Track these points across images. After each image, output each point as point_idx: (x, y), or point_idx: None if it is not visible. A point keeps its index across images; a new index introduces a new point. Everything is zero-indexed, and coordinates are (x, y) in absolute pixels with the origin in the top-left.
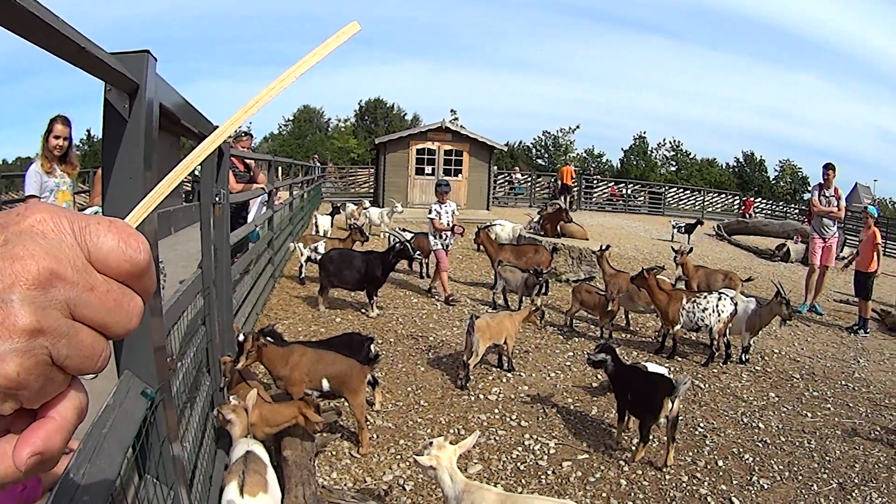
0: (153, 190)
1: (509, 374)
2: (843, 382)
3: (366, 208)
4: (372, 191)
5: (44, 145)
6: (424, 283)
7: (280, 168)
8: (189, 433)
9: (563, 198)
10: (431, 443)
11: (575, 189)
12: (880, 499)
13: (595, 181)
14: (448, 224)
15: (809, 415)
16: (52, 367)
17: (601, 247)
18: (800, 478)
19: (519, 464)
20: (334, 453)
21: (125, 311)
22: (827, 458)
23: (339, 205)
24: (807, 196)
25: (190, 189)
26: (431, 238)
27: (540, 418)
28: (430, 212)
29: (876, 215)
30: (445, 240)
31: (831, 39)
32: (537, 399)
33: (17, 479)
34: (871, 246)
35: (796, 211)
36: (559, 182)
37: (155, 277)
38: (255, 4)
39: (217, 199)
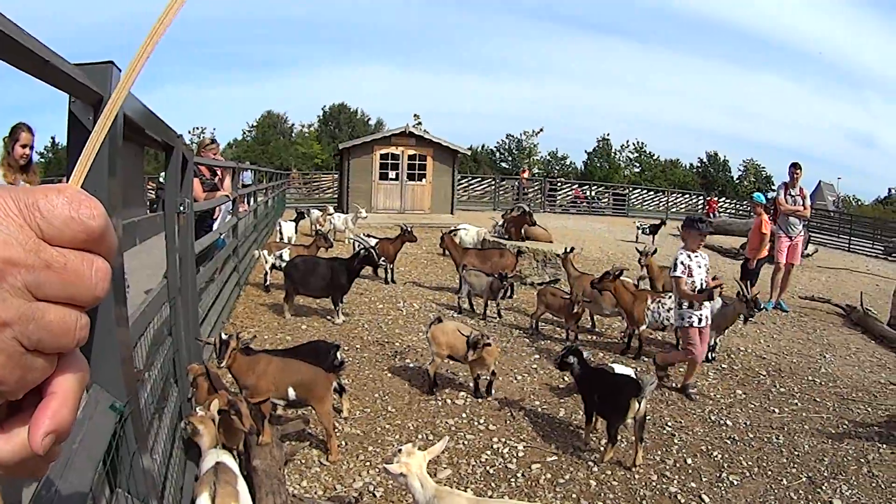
0: (86, 145)
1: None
2: (810, 378)
3: (330, 214)
4: (336, 196)
5: (7, 154)
6: (389, 289)
7: (253, 173)
8: (158, 445)
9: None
10: (400, 450)
11: (530, 191)
12: (850, 491)
13: (558, 184)
14: (702, 284)
15: (777, 411)
16: (26, 354)
17: (566, 249)
18: (769, 473)
19: (488, 467)
20: (304, 462)
21: (88, 280)
22: (796, 453)
23: (303, 211)
24: (771, 195)
25: (155, 197)
26: (674, 311)
27: (508, 421)
28: (674, 268)
29: (763, 202)
30: (700, 312)
31: (793, 40)
32: (505, 402)
33: (36, 462)
34: (758, 233)
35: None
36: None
37: (115, 235)
38: (219, 8)
39: (181, 208)
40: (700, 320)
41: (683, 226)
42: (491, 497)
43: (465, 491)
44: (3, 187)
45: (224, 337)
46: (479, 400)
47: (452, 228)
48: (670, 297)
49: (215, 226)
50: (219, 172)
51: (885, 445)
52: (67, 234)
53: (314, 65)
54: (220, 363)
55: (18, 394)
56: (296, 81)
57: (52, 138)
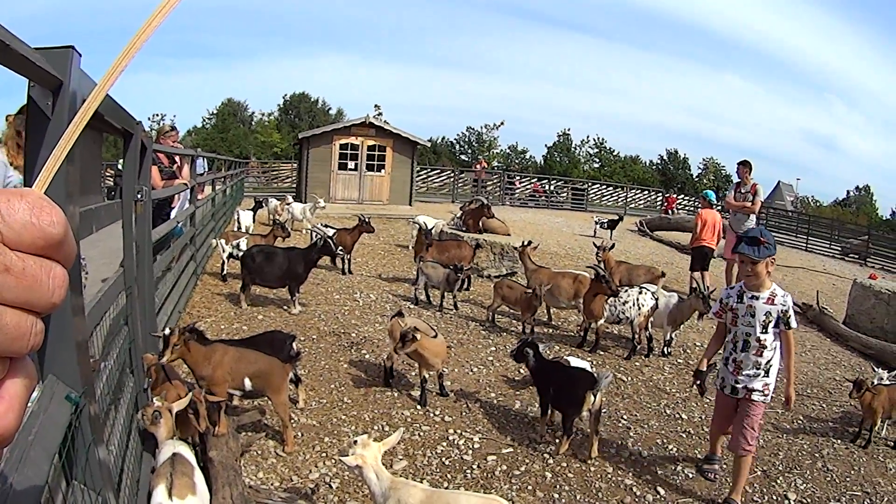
0: (53, 150)
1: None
2: None
3: (288, 204)
4: (295, 186)
5: (15, 134)
6: (346, 280)
7: (206, 161)
8: (114, 436)
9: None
10: (356, 441)
11: (489, 184)
12: (804, 484)
13: (515, 179)
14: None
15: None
16: None
17: (523, 242)
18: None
19: (444, 459)
20: (260, 453)
21: (46, 286)
22: None
23: (261, 200)
24: (727, 194)
25: (112, 185)
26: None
27: (463, 413)
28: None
29: (712, 198)
30: None
31: (755, 40)
32: (461, 394)
33: None
34: (694, 225)
35: (719, 208)
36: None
37: (74, 243)
38: None
39: (139, 196)
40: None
41: None
42: (447, 488)
43: (421, 482)
44: None
45: (166, 332)
46: (435, 392)
47: (414, 221)
48: (626, 290)
49: (173, 214)
50: (177, 160)
51: (839, 441)
52: (27, 238)
53: (275, 54)
54: (161, 358)
55: None
56: (256, 70)
57: (7, 117)
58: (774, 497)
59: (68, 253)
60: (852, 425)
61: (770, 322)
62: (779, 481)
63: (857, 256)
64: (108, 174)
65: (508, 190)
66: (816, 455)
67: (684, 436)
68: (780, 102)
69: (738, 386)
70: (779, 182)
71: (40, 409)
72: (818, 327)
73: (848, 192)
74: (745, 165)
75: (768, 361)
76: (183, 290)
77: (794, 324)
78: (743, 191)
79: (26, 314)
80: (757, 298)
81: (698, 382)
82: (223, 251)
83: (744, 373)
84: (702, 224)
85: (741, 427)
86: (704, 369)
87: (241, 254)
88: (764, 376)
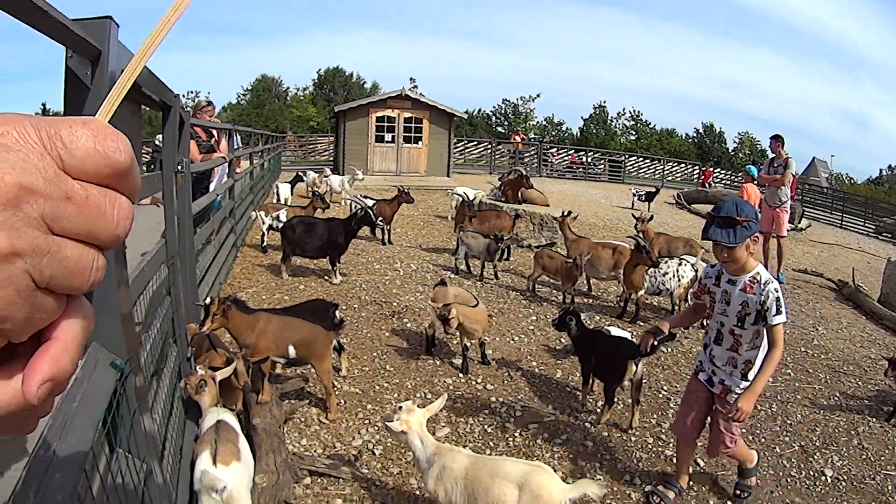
0: (119, 79)
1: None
2: (803, 349)
3: (327, 176)
4: (332, 159)
5: None
6: (386, 250)
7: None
8: (158, 405)
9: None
10: (400, 407)
11: (526, 155)
12: (840, 461)
13: (551, 151)
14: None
15: (770, 380)
16: (36, 292)
17: (563, 213)
18: (763, 440)
19: (486, 426)
20: (303, 420)
21: (110, 217)
22: (789, 422)
23: (300, 174)
24: (762, 168)
25: (150, 159)
26: None
27: (505, 381)
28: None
29: (753, 174)
30: None
31: (790, 16)
32: (502, 363)
33: (30, 413)
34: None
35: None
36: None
37: (139, 175)
38: None
39: (179, 167)
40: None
41: None
42: (489, 455)
43: (464, 449)
44: (28, 116)
45: (207, 302)
46: (477, 360)
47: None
48: (667, 262)
49: (212, 187)
50: (215, 134)
51: (874, 419)
52: (90, 167)
53: (308, 30)
54: (202, 327)
55: (23, 335)
56: (289, 46)
57: (43, 105)
58: (811, 472)
59: (133, 184)
60: (887, 404)
61: (748, 315)
62: (816, 457)
63: (890, 235)
64: (144, 151)
65: (545, 162)
66: (852, 432)
67: None
68: (814, 79)
69: (714, 378)
70: (813, 158)
71: (84, 376)
72: (853, 305)
73: (881, 170)
74: (777, 140)
75: (747, 362)
76: (223, 261)
77: (777, 319)
78: (776, 165)
79: (88, 248)
80: (734, 283)
81: (651, 343)
82: (263, 223)
83: (719, 367)
84: (746, 198)
85: (719, 429)
86: (665, 331)
87: (281, 225)
88: (741, 379)
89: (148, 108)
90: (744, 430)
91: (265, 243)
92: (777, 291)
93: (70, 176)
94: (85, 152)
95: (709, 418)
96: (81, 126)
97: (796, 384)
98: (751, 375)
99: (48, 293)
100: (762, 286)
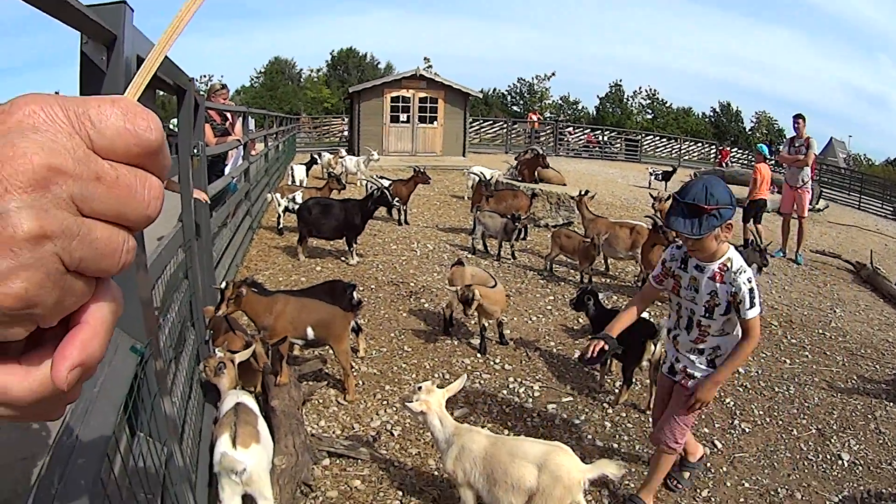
0: (146, 59)
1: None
2: (820, 331)
3: (342, 157)
4: (346, 140)
5: None
6: (403, 231)
7: (254, 120)
8: (177, 388)
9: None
10: (420, 387)
11: (542, 134)
12: (858, 445)
13: (567, 130)
14: None
15: (788, 362)
16: (66, 275)
17: (580, 192)
18: (780, 422)
19: (504, 407)
20: (321, 401)
21: (140, 197)
22: (806, 405)
23: (315, 156)
24: (781, 148)
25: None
26: None
27: (523, 361)
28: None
29: (765, 152)
30: None
31: None
32: (520, 343)
33: (59, 399)
34: (753, 180)
35: (772, 162)
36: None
37: (169, 154)
38: None
39: (195, 151)
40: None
41: None
42: (508, 436)
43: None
44: (55, 96)
45: (222, 286)
46: (495, 340)
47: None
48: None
49: (227, 170)
50: (229, 117)
51: (891, 403)
52: (120, 146)
53: (319, 12)
54: (217, 311)
55: (52, 320)
56: (302, 28)
57: (56, 93)
58: (828, 456)
59: (164, 164)
60: None
61: (717, 305)
62: (833, 440)
63: None
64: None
65: (562, 141)
66: (869, 416)
67: (741, 390)
68: (832, 59)
69: (676, 365)
70: (831, 138)
71: (105, 360)
72: (871, 287)
73: None
74: (800, 119)
75: (714, 349)
76: (240, 244)
77: (751, 312)
78: (797, 144)
79: (118, 229)
80: (702, 271)
81: (599, 349)
82: (279, 205)
83: (683, 353)
84: (760, 178)
85: (670, 418)
86: (614, 336)
87: (297, 207)
88: (708, 366)
89: (162, 93)
90: (761, 412)
91: (281, 225)
92: (750, 282)
93: (99, 156)
94: (115, 131)
95: None
96: (110, 105)
97: (814, 366)
98: (719, 363)
99: (78, 276)
100: (733, 275)
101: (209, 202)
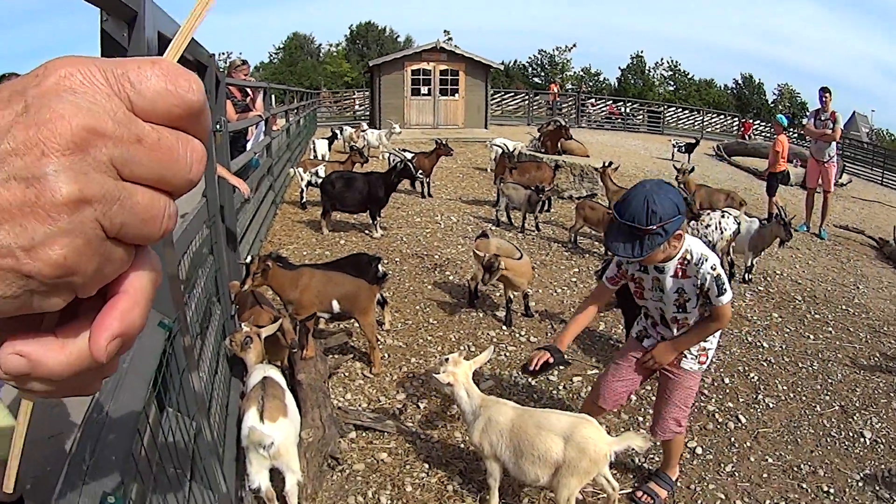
0: (187, 18)
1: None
2: (844, 307)
3: (364, 131)
4: (368, 114)
5: None
6: (426, 203)
7: (274, 95)
8: (203, 363)
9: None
10: (447, 359)
11: (564, 106)
12: (880, 423)
13: (588, 102)
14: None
15: (812, 337)
16: (106, 241)
17: (604, 164)
18: (803, 398)
19: (530, 379)
20: (347, 374)
21: (183, 160)
22: (829, 381)
23: (336, 131)
24: (805, 121)
25: None
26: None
27: (548, 334)
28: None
29: (784, 123)
30: None
31: None
32: (545, 315)
33: (97, 372)
34: (773, 151)
35: (795, 135)
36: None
37: (210, 118)
38: None
39: (217, 127)
40: None
41: None
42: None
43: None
44: (92, 58)
45: (247, 261)
46: (521, 312)
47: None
48: (709, 214)
49: (249, 146)
50: (250, 93)
51: None
52: (161, 108)
53: None
54: (242, 286)
55: (91, 289)
56: (320, 3)
57: None
58: (851, 433)
59: (205, 126)
60: None
61: (687, 301)
62: (855, 417)
63: None
64: None
65: (583, 112)
66: (892, 394)
67: (765, 364)
68: (854, 31)
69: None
70: (854, 112)
71: None
72: (894, 264)
73: None
74: (827, 92)
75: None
76: (263, 219)
77: (721, 299)
78: (823, 118)
79: (159, 194)
80: (662, 271)
81: (544, 361)
82: (301, 179)
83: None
84: (781, 151)
85: (667, 404)
86: (563, 350)
87: (319, 181)
88: (699, 351)
89: None
90: (785, 387)
91: (304, 200)
92: (714, 269)
93: (139, 118)
94: (155, 92)
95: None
96: (150, 66)
97: (837, 343)
98: (706, 345)
99: (118, 243)
100: (696, 267)
101: (250, 196)
